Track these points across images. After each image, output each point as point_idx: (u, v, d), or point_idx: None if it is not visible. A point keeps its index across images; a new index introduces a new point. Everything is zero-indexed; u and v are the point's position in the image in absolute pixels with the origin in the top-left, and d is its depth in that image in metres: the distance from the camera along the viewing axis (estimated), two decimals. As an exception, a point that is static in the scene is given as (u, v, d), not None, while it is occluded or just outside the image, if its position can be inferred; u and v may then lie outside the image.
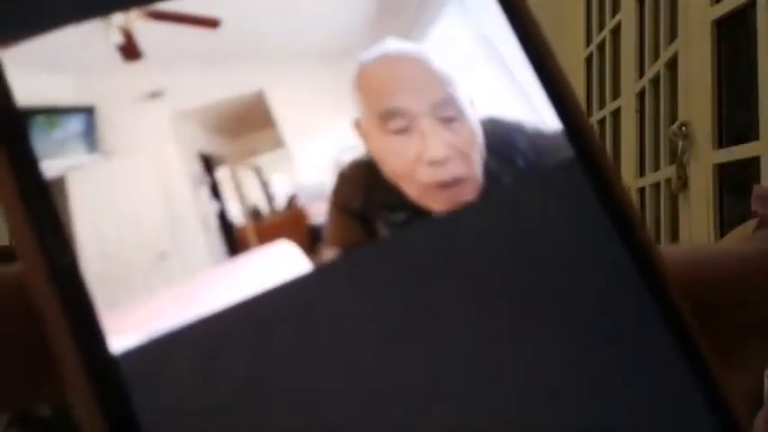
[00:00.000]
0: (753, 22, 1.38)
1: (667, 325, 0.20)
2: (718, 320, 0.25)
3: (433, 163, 0.20)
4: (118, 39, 0.17)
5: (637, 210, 0.21)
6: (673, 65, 1.79)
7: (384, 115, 0.19)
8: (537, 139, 0.21)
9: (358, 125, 0.20)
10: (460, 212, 0.19)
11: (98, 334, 0.16)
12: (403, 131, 0.19)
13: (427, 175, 0.19)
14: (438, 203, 0.19)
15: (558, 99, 0.21)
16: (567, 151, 0.21)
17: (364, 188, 0.19)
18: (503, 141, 0.21)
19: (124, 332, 0.16)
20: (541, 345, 0.19)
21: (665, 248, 0.27)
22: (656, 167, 1.98)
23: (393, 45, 0.20)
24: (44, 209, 0.16)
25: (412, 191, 0.19)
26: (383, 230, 0.19)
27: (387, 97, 0.19)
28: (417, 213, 0.19)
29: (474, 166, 0.20)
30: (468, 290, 0.19)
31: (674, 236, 1.82)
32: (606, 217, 0.20)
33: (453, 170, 0.20)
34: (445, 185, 0.20)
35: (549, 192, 0.21)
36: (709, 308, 0.25)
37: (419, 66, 0.20)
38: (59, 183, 0.17)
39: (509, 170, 0.21)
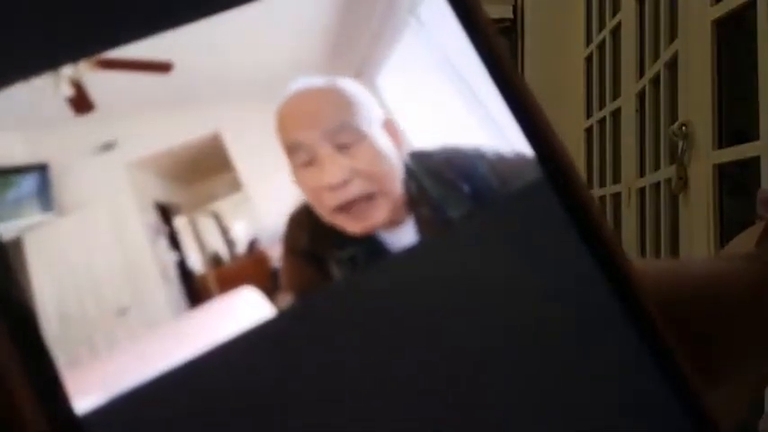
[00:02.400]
0: (753, 22, 1.38)
1: (644, 342, 0.20)
2: (702, 330, 0.25)
3: (332, 188, 0.20)
4: (68, 92, 0.17)
5: (610, 227, 0.20)
6: (673, 65, 1.79)
7: (289, 151, 0.20)
8: (500, 165, 0.21)
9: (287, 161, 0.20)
10: (415, 249, 0.19)
11: (62, 395, 0.16)
12: (307, 164, 0.20)
13: (330, 199, 0.20)
14: (349, 223, 0.20)
15: (526, 119, 0.21)
16: (534, 174, 0.20)
17: (309, 228, 0.20)
18: (459, 169, 0.21)
19: (88, 392, 0.16)
20: (518, 375, 0.19)
21: (644, 262, 0.27)
22: (656, 167, 1.97)
23: (301, 82, 0.20)
24: (1, 272, 0.16)
25: (325, 215, 0.20)
26: (335, 270, 0.19)
27: (287, 133, 0.20)
28: (363, 247, 0.20)
29: (383, 182, 0.21)
30: (430, 328, 0.19)
31: (674, 236, 1.82)
32: (578, 237, 0.20)
33: (354, 191, 0.21)
34: (348, 206, 0.20)
35: (514, 218, 0.20)
36: (692, 317, 0.25)
37: (318, 97, 0.21)
38: (16, 244, 0.16)
39: (464, 199, 0.21)
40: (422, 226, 0.20)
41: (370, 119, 0.21)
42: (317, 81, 0.21)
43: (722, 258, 0.28)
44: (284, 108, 0.20)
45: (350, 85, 0.21)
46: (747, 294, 0.26)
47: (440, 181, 0.21)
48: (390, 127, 0.21)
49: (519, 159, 0.21)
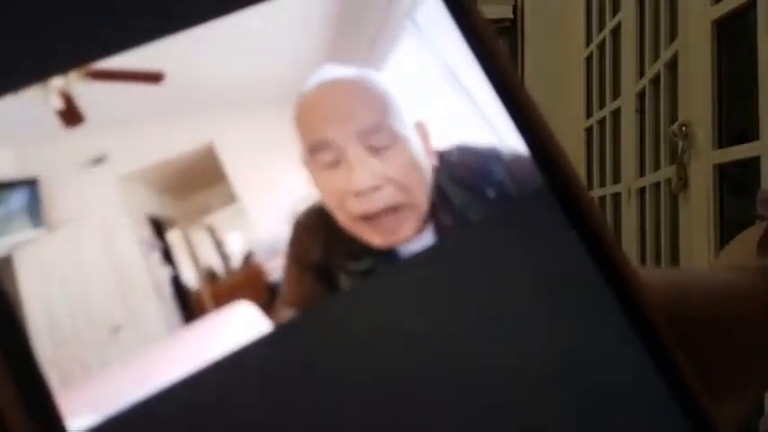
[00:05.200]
0: (753, 22, 1.37)
1: (645, 346, 0.20)
2: (704, 341, 0.25)
3: (359, 194, 0.19)
4: (57, 104, 0.17)
5: (611, 232, 0.20)
6: (673, 65, 1.78)
7: (313, 149, 0.18)
8: (512, 168, 0.20)
9: (304, 161, 0.19)
10: (425, 257, 0.19)
11: (55, 416, 0.15)
12: (332, 165, 0.19)
13: (355, 206, 0.19)
14: (372, 233, 0.19)
15: (525, 124, 0.21)
16: (535, 180, 0.20)
17: (322, 236, 0.18)
18: (473, 172, 0.20)
19: (81, 412, 0.15)
20: (520, 379, 0.18)
21: (650, 271, 0.27)
22: (656, 167, 1.97)
23: (329, 71, 0.19)
24: None
25: (345, 222, 0.19)
26: (345, 283, 0.18)
27: (314, 130, 0.18)
28: (381, 259, 0.19)
29: (414, 192, 0.19)
30: (436, 340, 0.18)
31: (674, 236, 1.81)
32: (581, 243, 0.20)
33: (383, 200, 0.19)
34: (375, 216, 0.19)
35: (520, 225, 0.20)
36: (695, 328, 0.25)
37: (351, 92, 0.19)
38: (6, 261, 0.16)
39: (479, 203, 0.20)
40: (441, 234, 0.19)
41: (405, 120, 0.19)
42: (345, 72, 0.19)
43: (729, 270, 0.28)
44: (310, 99, 0.18)
45: (381, 80, 0.19)
46: (753, 309, 0.26)
47: (461, 186, 0.20)
48: (422, 130, 0.20)
49: (528, 163, 0.20)
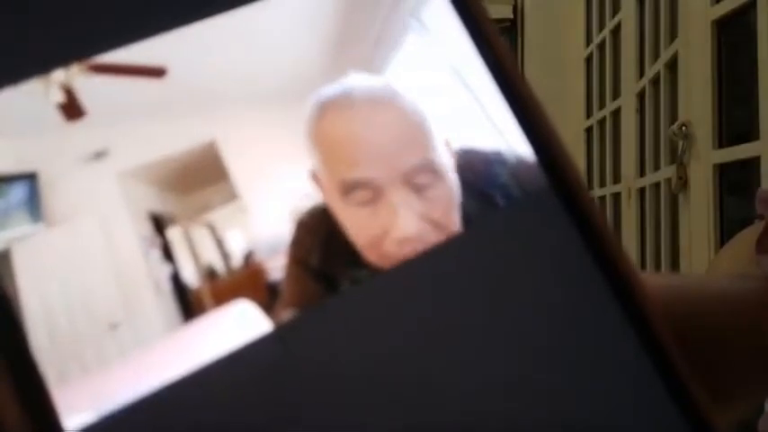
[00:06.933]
0: (753, 22, 1.37)
1: (647, 350, 0.19)
2: (706, 350, 0.25)
3: (404, 241, 0.17)
4: (59, 97, 0.16)
5: (615, 236, 0.20)
6: (673, 65, 1.78)
7: (347, 186, 0.17)
8: (516, 170, 0.20)
9: (316, 179, 0.18)
10: (427, 258, 0.19)
11: (52, 413, 0.15)
12: (369, 203, 0.17)
13: (393, 249, 0.17)
14: (384, 261, 0.18)
15: (530, 125, 0.20)
16: (539, 182, 0.20)
17: (324, 239, 0.18)
18: (478, 175, 0.20)
19: (78, 409, 0.15)
20: (519, 382, 0.18)
21: (655, 277, 0.27)
22: (656, 167, 1.97)
23: (357, 84, 0.18)
24: None
25: (372, 257, 0.18)
26: (345, 284, 0.18)
27: (350, 166, 0.17)
28: (382, 269, 0.18)
29: (449, 227, 0.18)
30: (437, 340, 0.18)
31: (675, 236, 1.82)
32: (583, 246, 0.20)
33: (423, 243, 0.17)
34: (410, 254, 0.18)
35: (523, 226, 0.20)
36: (697, 337, 0.25)
37: (390, 119, 0.18)
38: (4, 256, 0.16)
39: (483, 205, 0.20)
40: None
41: (441, 146, 0.18)
42: (374, 87, 0.17)
43: (733, 278, 0.28)
44: (339, 122, 0.17)
45: (410, 95, 0.18)
46: (757, 321, 0.25)
47: (466, 189, 0.19)
48: (449, 147, 0.19)
49: (526, 166, 0.20)
